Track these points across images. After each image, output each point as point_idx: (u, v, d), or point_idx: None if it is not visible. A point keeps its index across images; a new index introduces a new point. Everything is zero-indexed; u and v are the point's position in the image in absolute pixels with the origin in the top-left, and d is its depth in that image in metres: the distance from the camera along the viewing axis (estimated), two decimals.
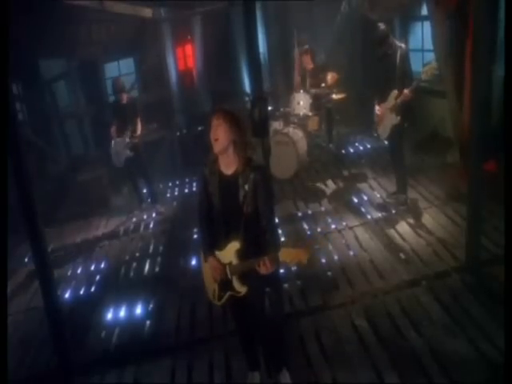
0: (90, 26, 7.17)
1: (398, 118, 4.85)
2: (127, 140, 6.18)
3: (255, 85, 3.54)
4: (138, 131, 6.21)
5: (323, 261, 4.55)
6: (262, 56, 9.09)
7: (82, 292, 5.15)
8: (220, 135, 2.70)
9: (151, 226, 6.35)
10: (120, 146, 6.24)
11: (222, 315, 4.04)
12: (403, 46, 4.77)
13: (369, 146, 7.14)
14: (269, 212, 2.79)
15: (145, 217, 6.59)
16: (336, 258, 4.58)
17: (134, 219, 6.61)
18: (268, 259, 2.67)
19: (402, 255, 4.40)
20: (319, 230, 5.12)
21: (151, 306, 4.54)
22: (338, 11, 8.16)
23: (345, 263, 4.45)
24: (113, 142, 6.31)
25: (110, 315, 4.54)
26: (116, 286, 5.06)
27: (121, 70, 8.70)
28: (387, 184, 5.77)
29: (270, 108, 8.10)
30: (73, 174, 7.39)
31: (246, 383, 3.27)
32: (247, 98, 8.93)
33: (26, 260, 6.23)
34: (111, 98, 7.64)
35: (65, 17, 6.68)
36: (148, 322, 4.32)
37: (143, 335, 4.17)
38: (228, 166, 2.80)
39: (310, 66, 6.53)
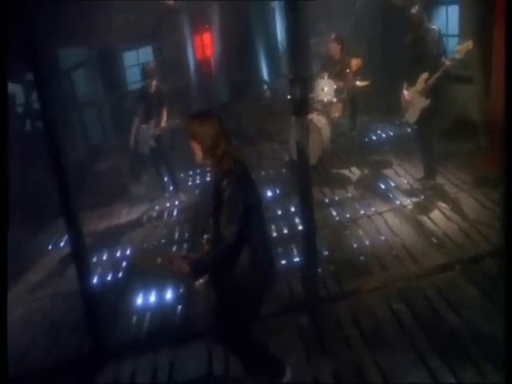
0: (109, 14, 7.13)
1: (428, 101, 4.81)
2: (152, 131, 6.15)
3: (295, 63, 3.47)
4: (164, 122, 6.16)
5: (355, 246, 4.54)
6: (280, 44, 9.11)
7: (109, 278, 5.16)
8: (194, 150, 2.64)
9: (175, 213, 6.34)
10: (145, 134, 6.21)
11: None
12: (435, 27, 4.72)
13: (391, 134, 7.09)
14: (229, 225, 2.54)
15: (167, 205, 6.59)
16: (367, 242, 4.56)
17: (157, 207, 6.60)
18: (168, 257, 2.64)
19: (434, 239, 4.38)
20: (348, 215, 5.09)
21: (181, 290, 4.54)
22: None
23: (377, 248, 4.44)
24: (138, 129, 6.27)
25: (140, 301, 4.54)
26: (143, 273, 5.05)
27: (140, 59, 8.67)
28: (413, 170, 5.74)
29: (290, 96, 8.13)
30: (92, 163, 7.40)
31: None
32: (265, 87, 8.91)
33: (50, 247, 6.29)
34: (135, 86, 7.58)
35: (84, 4, 6.65)
36: (179, 307, 4.33)
37: (175, 320, 4.16)
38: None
39: (337, 53, 6.48)
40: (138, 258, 2.95)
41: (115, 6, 7.13)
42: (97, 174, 7.31)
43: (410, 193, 5.28)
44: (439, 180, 5.30)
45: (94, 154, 7.64)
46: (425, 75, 4.74)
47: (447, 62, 4.56)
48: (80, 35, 7.30)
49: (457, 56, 4.53)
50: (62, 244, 6.29)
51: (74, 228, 3.70)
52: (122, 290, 4.76)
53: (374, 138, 7.15)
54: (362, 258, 4.34)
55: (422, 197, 5.12)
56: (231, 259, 2.63)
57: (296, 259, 4.57)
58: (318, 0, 8.24)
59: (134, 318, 4.29)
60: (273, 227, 5.25)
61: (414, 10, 4.68)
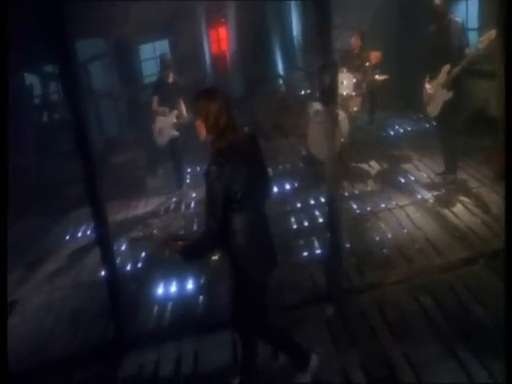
0: (127, 6, 7.12)
1: (450, 93, 4.78)
2: (174, 120, 6.15)
3: (324, 49, 3.41)
4: (185, 112, 6.17)
5: (377, 238, 4.53)
6: (295, 39, 9.09)
7: (129, 268, 5.17)
8: (198, 127, 2.65)
9: (192, 205, 6.35)
10: (164, 125, 6.21)
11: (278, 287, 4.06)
12: (458, 19, 4.69)
13: (409, 129, 7.08)
14: (207, 214, 2.58)
15: (185, 197, 6.60)
16: (389, 235, 4.55)
17: (174, 199, 6.62)
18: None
19: (457, 233, 4.36)
20: (368, 208, 5.08)
21: (202, 281, 4.54)
22: None
23: (399, 241, 4.43)
24: (156, 120, 6.27)
25: (161, 290, 4.55)
26: (163, 263, 5.06)
27: (156, 52, 8.66)
28: (433, 165, 5.72)
29: (307, 91, 8.12)
30: (108, 156, 7.42)
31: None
32: (281, 82, 8.90)
33: (67, 238, 6.32)
34: (151, 79, 7.56)
35: None
36: (201, 297, 4.33)
37: (197, 309, 4.17)
38: None
39: (357, 47, 6.48)
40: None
41: None
42: (113, 166, 7.31)
43: (431, 187, 5.26)
44: (460, 175, 5.28)
45: (111, 147, 7.65)
46: (447, 67, 4.71)
47: (470, 53, 4.50)
48: (97, 26, 7.30)
49: (479, 46, 4.46)
50: (79, 235, 6.34)
51: (100, 216, 3.71)
52: (142, 280, 4.77)
53: (392, 132, 7.15)
54: (384, 250, 4.33)
55: (444, 191, 5.11)
56: (215, 244, 2.70)
57: (318, 251, 4.56)
58: None
59: (156, 308, 4.30)
60: (292, 220, 5.26)
61: (438, 0, 4.65)
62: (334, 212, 3.75)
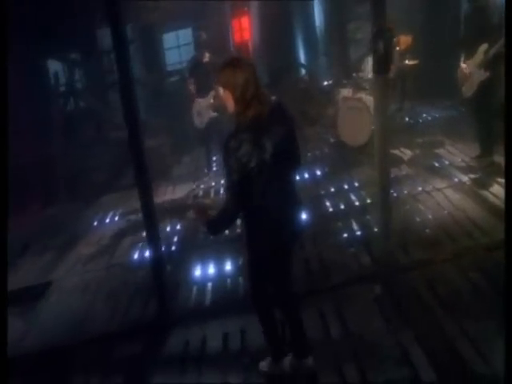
0: None
1: (487, 73, 4.72)
2: (212, 101, 6.10)
3: (378, 14, 3.30)
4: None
5: (418, 219, 4.50)
6: (318, 29, 9.06)
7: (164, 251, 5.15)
8: (225, 99, 2.66)
9: (221, 191, 6.34)
10: (203, 106, 6.18)
11: (320, 270, 4.05)
12: None
13: (437, 116, 7.04)
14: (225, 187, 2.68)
15: (213, 183, 6.58)
16: (430, 216, 4.52)
17: (202, 186, 6.61)
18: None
19: (499, 213, 4.32)
20: (405, 192, 5.05)
21: (240, 263, 4.52)
22: None
23: (441, 221, 4.39)
24: (195, 102, 6.24)
25: (198, 272, 4.54)
26: (199, 246, 5.05)
27: (179, 41, 8.64)
28: (467, 150, 5.67)
29: (329, 81, 8.08)
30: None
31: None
32: (303, 71, 8.88)
33: (96, 223, 6.32)
34: (176, 66, 7.52)
35: None
36: (240, 278, 4.31)
37: (238, 289, 4.15)
38: None
39: None
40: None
41: None
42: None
43: (467, 170, 5.22)
44: (496, 158, 5.22)
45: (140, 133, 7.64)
46: (484, 46, 4.65)
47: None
48: (128, 13, 7.26)
49: None
50: (107, 220, 6.35)
51: (147, 196, 3.69)
52: (176, 264, 4.75)
53: (421, 120, 7.10)
54: (427, 230, 4.30)
55: (481, 174, 5.06)
56: (233, 218, 2.65)
57: (357, 233, 4.54)
58: None
59: (195, 288, 4.30)
60: (327, 203, 5.25)
61: None
62: (383, 193, 3.73)
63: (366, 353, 3.09)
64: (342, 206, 5.13)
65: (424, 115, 7.22)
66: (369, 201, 5.07)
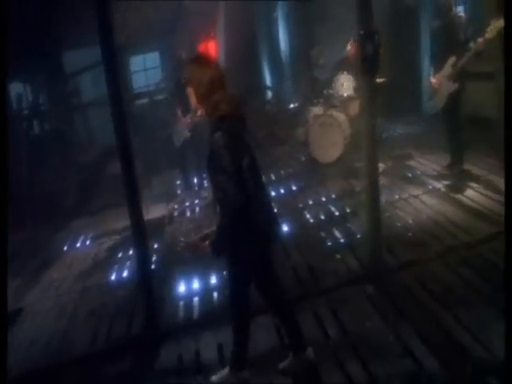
0: (125, 14, 7.08)
1: (456, 85, 4.99)
2: (188, 120, 6.09)
3: (364, 17, 3.41)
4: (200, 112, 6.09)
5: (399, 224, 4.59)
6: (283, 54, 9.33)
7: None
8: (190, 94, 2.62)
9: (197, 210, 6.25)
10: (181, 126, 6.17)
11: (310, 276, 4.04)
12: (462, 14, 4.96)
13: (403, 131, 7.32)
14: (220, 182, 2.50)
15: (187, 204, 6.50)
16: (410, 221, 4.63)
17: (176, 206, 6.51)
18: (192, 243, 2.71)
19: (477, 213, 4.50)
20: (384, 200, 5.14)
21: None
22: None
23: (422, 224, 4.52)
24: (176, 122, 6.23)
25: (183, 288, 4.40)
26: (181, 262, 4.91)
27: (146, 64, 8.64)
28: (436, 160, 5.91)
29: (296, 104, 8.28)
30: (103, 165, 7.27)
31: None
32: (270, 93, 9.07)
33: (66, 248, 6.07)
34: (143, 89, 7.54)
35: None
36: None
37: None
38: None
39: (352, 53, 6.68)
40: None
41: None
42: (109, 175, 7.15)
43: (439, 178, 5.43)
44: (466, 166, 5.45)
45: (106, 156, 7.49)
46: (452, 60, 4.92)
47: (478, 41, 4.67)
48: (88, 36, 7.22)
49: (488, 35, 4.59)
50: (78, 245, 6.10)
51: (136, 212, 3.59)
52: (158, 281, 4.59)
53: (389, 135, 7.35)
54: (409, 234, 4.40)
55: (453, 180, 5.27)
56: (239, 216, 2.52)
57: (341, 240, 4.58)
58: (317, 10, 8.54)
59: (181, 304, 4.16)
60: (307, 215, 5.29)
61: None
62: (373, 197, 3.82)
63: (367, 350, 3.06)
64: (323, 217, 5.17)
65: (391, 131, 7.49)
66: (348, 210, 5.16)
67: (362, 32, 3.33)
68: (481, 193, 4.88)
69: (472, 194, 4.91)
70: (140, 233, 3.65)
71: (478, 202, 4.71)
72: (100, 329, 4.02)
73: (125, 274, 5.02)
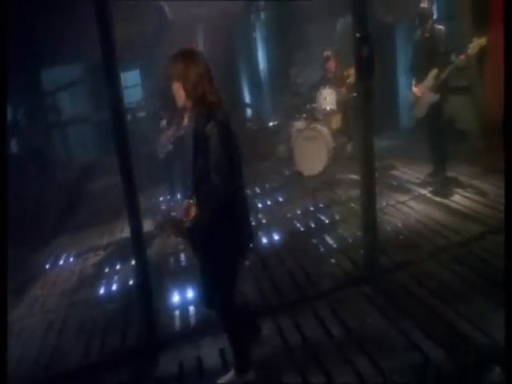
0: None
1: (437, 96, 5.20)
2: (170, 133, 6.07)
3: (360, 22, 3.49)
4: (184, 122, 6.09)
5: (389, 229, 4.67)
6: (262, 73, 9.50)
7: (132, 283, 4.89)
8: (176, 91, 2.57)
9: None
10: (164, 139, 6.15)
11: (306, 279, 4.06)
12: (441, 27, 5.19)
13: (383, 144, 7.49)
14: (212, 171, 2.45)
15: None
16: (400, 225, 4.73)
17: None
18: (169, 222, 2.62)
19: (464, 215, 4.64)
20: None
21: None
22: (333, 29, 8.70)
23: (412, 227, 4.63)
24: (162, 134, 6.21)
25: (177, 297, 4.32)
26: (169, 275, 4.85)
27: (127, 82, 8.62)
28: (418, 170, 6.10)
29: (272, 123, 8.43)
30: (86, 182, 7.16)
31: None
32: (248, 109, 9.19)
33: (49, 266, 5.89)
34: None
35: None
36: None
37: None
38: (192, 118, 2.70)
39: (333, 67, 6.90)
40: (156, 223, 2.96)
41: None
42: (91, 193, 7.05)
43: (424, 185, 5.58)
44: (449, 173, 5.60)
45: (88, 174, 7.38)
46: (434, 72, 5.13)
47: (461, 57, 4.91)
48: (68, 54, 7.19)
49: (470, 51, 4.84)
50: (61, 262, 5.93)
51: (135, 220, 3.54)
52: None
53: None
54: (401, 236, 4.48)
55: (438, 186, 5.42)
56: (221, 209, 2.49)
57: (334, 245, 4.63)
58: (294, 31, 8.80)
59: (177, 313, 4.08)
60: (298, 224, 5.33)
61: (424, 4, 5.11)
62: (370, 202, 3.89)
63: (372, 346, 3.07)
64: (313, 225, 5.21)
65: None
66: (337, 217, 5.23)
67: (358, 35, 3.42)
68: (466, 197, 5.05)
69: (457, 198, 5.07)
70: (139, 243, 3.59)
71: (464, 205, 4.87)
72: (93, 342, 3.89)
73: (114, 287, 4.90)
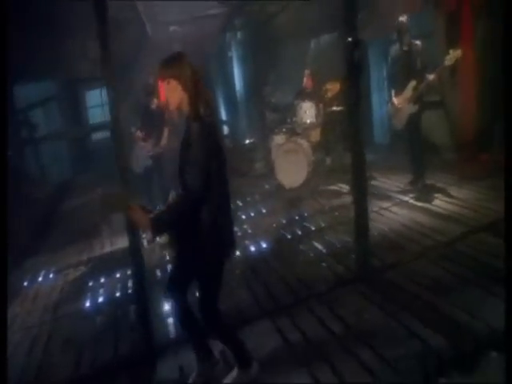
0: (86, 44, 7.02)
1: (416, 106, 5.44)
2: (149, 146, 6.04)
3: (350, 27, 3.61)
4: (164, 141, 6.09)
5: (375, 233, 4.76)
6: (238, 92, 9.65)
7: (117, 295, 4.78)
8: (170, 93, 2.58)
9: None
10: (140, 152, 6.08)
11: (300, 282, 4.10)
12: (418, 42, 5.46)
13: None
14: (193, 174, 2.45)
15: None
16: (386, 228, 4.84)
17: (144, 235, 6.31)
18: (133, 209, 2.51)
19: (447, 217, 4.82)
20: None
21: None
22: (308, 50, 8.99)
23: (397, 230, 4.75)
24: (135, 146, 6.11)
25: (167, 307, 4.25)
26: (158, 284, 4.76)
27: (103, 99, 8.53)
28: (397, 179, 6.30)
29: (250, 140, 8.55)
30: (61, 200, 6.98)
31: None
32: (225, 127, 9.28)
33: (26, 283, 5.67)
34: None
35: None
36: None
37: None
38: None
39: (310, 84, 7.09)
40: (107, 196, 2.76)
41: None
42: (66, 211, 6.87)
43: (405, 192, 5.77)
44: (427, 181, 5.83)
45: (64, 191, 7.20)
46: (413, 83, 5.39)
47: (438, 70, 5.20)
48: (51, 66, 7.06)
49: (447, 63, 5.12)
50: (39, 279, 5.73)
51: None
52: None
53: (346, 162, 7.65)
54: (386, 239, 4.59)
55: (418, 193, 5.63)
56: (192, 212, 2.51)
57: (323, 250, 4.69)
58: (267, 51, 9.05)
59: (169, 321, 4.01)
60: (284, 232, 5.38)
61: (403, 18, 5.38)
62: (362, 205, 4.03)
63: (374, 338, 3.11)
64: (300, 232, 5.27)
65: (346, 159, 7.82)
66: (323, 225, 5.31)
67: (349, 39, 3.57)
68: (446, 201, 5.26)
69: (438, 202, 5.27)
70: (137, 253, 3.54)
71: (445, 208, 5.07)
72: (83, 355, 3.75)
73: (100, 299, 4.77)
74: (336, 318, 3.44)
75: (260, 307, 3.86)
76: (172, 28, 7.91)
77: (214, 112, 2.66)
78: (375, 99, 7.98)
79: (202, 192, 2.46)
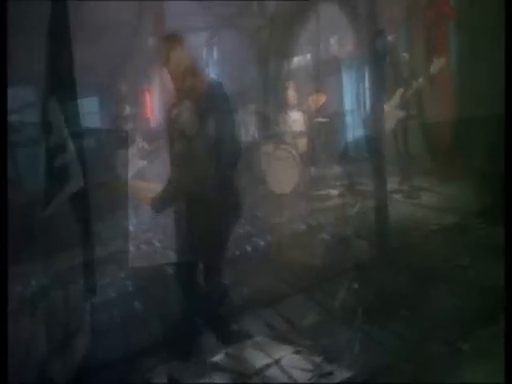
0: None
1: (403, 112, 5.85)
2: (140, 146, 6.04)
3: (372, 21, 3.99)
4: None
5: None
6: None
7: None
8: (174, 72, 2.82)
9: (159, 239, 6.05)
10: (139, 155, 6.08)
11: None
12: (405, 54, 5.91)
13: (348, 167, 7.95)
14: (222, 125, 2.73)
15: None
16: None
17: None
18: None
19: (436, 210, 5.21)
20: (350, 213, 5.59)
21: None
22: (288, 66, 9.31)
23: (395, 220, 4.90)
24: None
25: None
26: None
27: (84, 109, 8.37)
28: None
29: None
30: (43, 208, 6.71)
31: None
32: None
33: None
34: None
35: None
36: None
37: None
38: None
39: (292, 97, 7.35)
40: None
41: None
42: (44, 219, 6.60)
43: (393, 192, 5.95)
44: (415, 183, 6.14)
45: (38, 200, 6.90)
46: (400, 91, 5.83)
47: (423, 78, 5.65)
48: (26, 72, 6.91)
49: (432, 71, 5.58)
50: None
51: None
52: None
53: (331, 171, 7.90)
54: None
55: (406, 193, 5.98)
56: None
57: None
58: (250, 66, 9.29)
59: None
60: (283, 231, 5.46)
61: (391, 37, 5.82)
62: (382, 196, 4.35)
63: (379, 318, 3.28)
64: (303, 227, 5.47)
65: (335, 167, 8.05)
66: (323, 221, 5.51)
67: (374, 31, 3.87)
68: (434, 197, 5.68)
69: (427, 198, 5.69)
70: None
71: (437, 202, 5.50)
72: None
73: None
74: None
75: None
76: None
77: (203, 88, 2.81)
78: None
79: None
